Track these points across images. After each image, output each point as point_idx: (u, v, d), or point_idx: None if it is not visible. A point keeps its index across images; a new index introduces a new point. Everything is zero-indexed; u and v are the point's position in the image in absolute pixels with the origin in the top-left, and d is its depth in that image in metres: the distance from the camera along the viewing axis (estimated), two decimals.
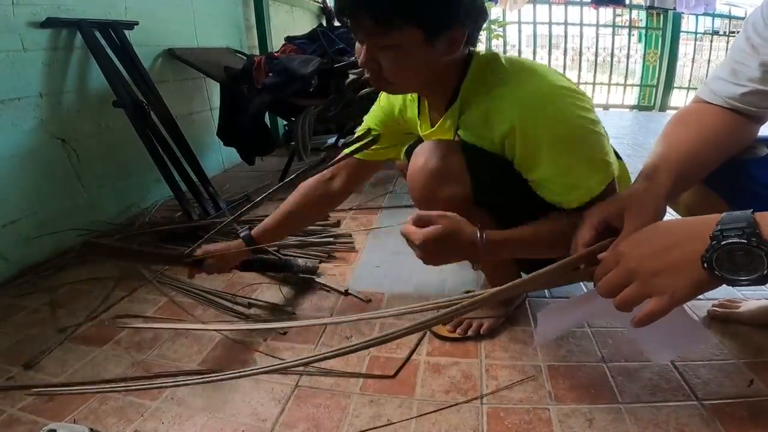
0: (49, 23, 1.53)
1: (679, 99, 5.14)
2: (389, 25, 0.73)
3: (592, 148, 0.78)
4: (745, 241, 0.46)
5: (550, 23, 5.18)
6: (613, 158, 0.82)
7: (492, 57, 0.84)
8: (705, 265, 0.48)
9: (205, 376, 0.81)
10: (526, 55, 5.36)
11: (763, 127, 0.77)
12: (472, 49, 0.85)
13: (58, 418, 0.83)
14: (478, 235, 0.76)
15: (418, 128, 0.99)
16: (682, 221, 0.55)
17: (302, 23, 3.70)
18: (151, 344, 1.07)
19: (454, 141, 0.89)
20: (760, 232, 0.46)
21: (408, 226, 0.77)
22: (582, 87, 5.16)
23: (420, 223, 0.76)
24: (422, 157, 0.87)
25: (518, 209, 0.87)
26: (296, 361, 0.76)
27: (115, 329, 1.12)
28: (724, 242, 0.47)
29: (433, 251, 0.76)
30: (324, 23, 4.05)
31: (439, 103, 0.90)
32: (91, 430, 0.75)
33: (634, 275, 0.53)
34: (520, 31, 5.31)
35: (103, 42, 1.72)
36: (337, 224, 1.74)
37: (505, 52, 5.40)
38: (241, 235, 1.13)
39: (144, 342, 1.08)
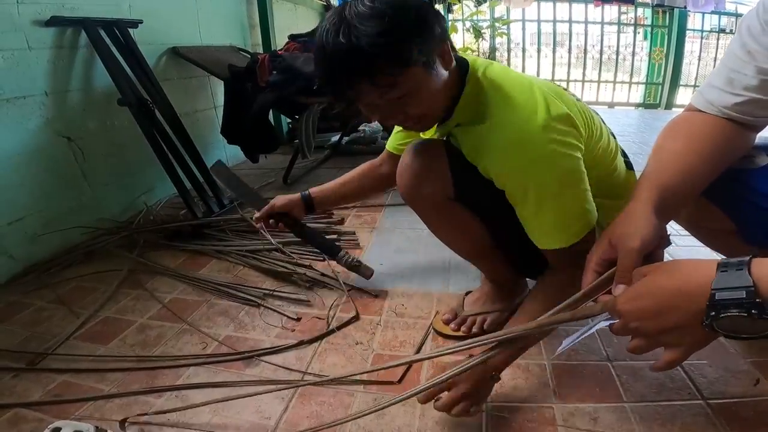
0: (54, 22, 1.53)
1: (685, 97, 5.11)
2: (393, 81, 0.72)
3: (572, 199, 0.79)
4: (746, 314, 0.43)
5: (554, 21, 5.16)
6: (591, 206, 0.81)
7: (479, 80, 0.83)
8: (707, 329, 0.46)
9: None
10: (531, 53, 5.34)
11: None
12: (461, 60, 0.84)
13: (63, 415, 0.83)
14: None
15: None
16: (676, 280, 0.50)
17: (306, 21, 3.70)
18: (156, 342, 1.07)
19: (439, 141, 0.92)
20: (762, 302, 0.43)
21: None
22: (587, 85, 5.19)
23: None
24: (408, 157, 0.91)
25: (500, 208, 0.88)
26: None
27: (120, 327, 1.13)
28: (723, 315, 0.44)
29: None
30: None
31: None
32: (97, 428, 0.75)
33: (638, 332, 0.53)
34: (524, 29, 5.29)
35: (107, 40, 1.72)
36: (341, 222, 1.74)
37: (508, 50, 5.39)
38: (301, 193, 1.22)
39: (149, 339, 1.08)
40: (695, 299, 0.47)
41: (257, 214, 1.23)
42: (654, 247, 0.62)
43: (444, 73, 0.78)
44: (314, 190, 1.23)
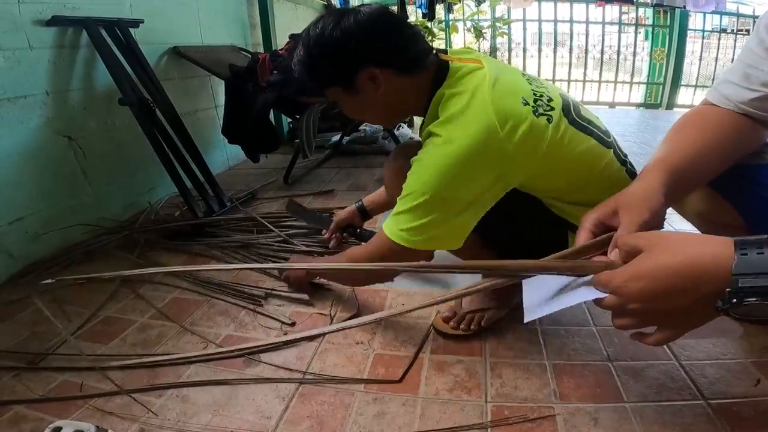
0: (55, 21, 1.53)
1: (687, 97, 5.11)
2: (322, 93, 0.94)
3: (425, 212, 0.84)
4: None
5: (555, 21, 5.15)
6: (450, 237, 0.88)
7: (442, 95, 0.87)
8: (720, 312, 0.44)
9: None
10: (532, 53, 5.34)
11: None
12: (438, 65, 0.91)
13: (63, 415, 0.83)
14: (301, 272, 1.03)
15: None
16: (685, 259, 0.46)
17: (306, 20, 3.65)
18: (157, 341, 1.07)
19: (417, 143, 0.96)
20: None
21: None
22: (588, 85, 5.17)
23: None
24: (392, 158, 1.05)
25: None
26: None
27: (121, 327, 1.13)
28: (745, 302, 0.42)
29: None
30: None
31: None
32: (97, 427, 0.75)
33: (635, 313, 0.50)
34: (525, 29, 5.28)
35: (108, 40, 1.72)
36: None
37: (509, 50, 5.38)
38: (356, 205, 1.42)
39: (150, 339, 1.08)
40: (711, 281, 0.44)
41: (327, 234, 1.45)
42: (655, 225, 0.60)
43: (376, 93, 0.88)
44: (366, 201, 1.42)
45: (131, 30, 1.85)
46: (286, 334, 1.08)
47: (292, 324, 1.13)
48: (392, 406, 0.85)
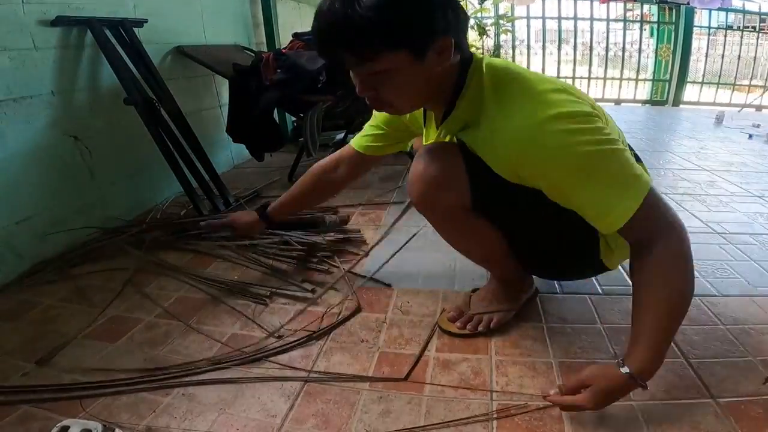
0: (60, 21, 1.54)
1: (693, 94, 5.08)
2: (373, 56, 0.72)
3: (608, 170, 0.72)
4: None
5: (559, 18, 5.12)
6: (637, 169, 0.74)
7: (481, 73, 0.80)
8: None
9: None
10: (536, 50, 5.32)
11: None
12: (467, 56, 0.82)
13: (71, 414, 0.84)
14: (627, 371, 0.73)
15: (424, 137, 1.01)
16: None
17: (309, 19, 3.60)
18: (164, 340, 1.07)
19: (454, 145, 0.87)
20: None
21: (566, 398, 0.77)
22: (593, 82, 5.16)
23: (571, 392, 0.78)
24: (422, 164, 0.87)
25: (519, 216, 0.87)
26: None
27: (128, 325, 1.14)
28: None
29: (603, 405, 0.77)
30: None
31: (438, 114, 0.89)
32: (105, 426, 0.75)
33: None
34: (528, 26, 5.26)
35: (113, 40, 1.73)
36: (347, 220, 1.74)
37: (513, 47, 5.36)
38: (258, 210, 1.29)
39: (156, 338, 1.08)
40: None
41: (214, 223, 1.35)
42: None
43: (436, 69, 0.75)
44: (271, 208, 1.29)
45: (135, 30, 1.85)
46: (294, 333, 1.08)
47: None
48: (397, 405, 0.85)
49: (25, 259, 1.44)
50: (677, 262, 0.73)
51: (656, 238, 0.72)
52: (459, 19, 0.76)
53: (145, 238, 1.58)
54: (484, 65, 0.81)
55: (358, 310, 1.15)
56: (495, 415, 0.81)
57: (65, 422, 0.75)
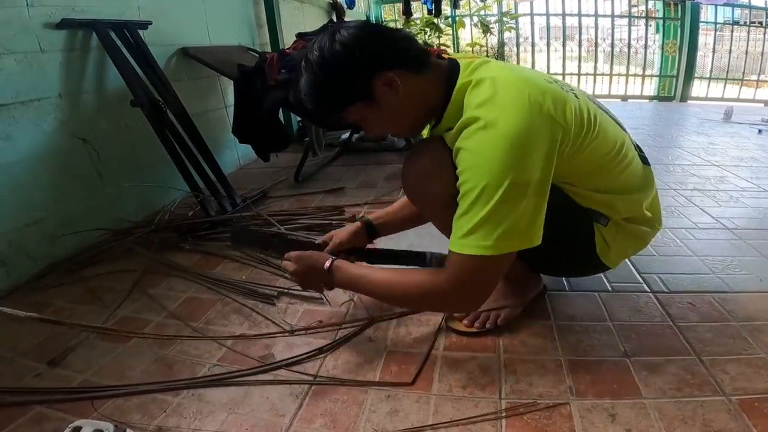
0: (65, 24, 1.55)
1: (701, 89, 5.04)
2: (340, 116, 0.86)
3: (497, 207, 0.73)
4: None
5: (563, 15, 5.09)
6: (534, 229, 0.76)
7: (464, 85, 0.82)
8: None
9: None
10: (540, 48, 5.28)
11: None
12: (446, 67, 0.85)
13: (83, 415, 0.84)
14: (327, 265, 0.94)
15: None
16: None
17: (312, 19, 3.70)
18: (173, 340, 1.08)
19: (438, 138, 0.88)
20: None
21: (285, 262, 1.01)
22: (599, 78, 5.12)
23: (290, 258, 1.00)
24: (413, 158, 0.93)
25: None
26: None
27: (138, 326, 1.14)
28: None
29: (301, 278, 0.99)
30: (334, 18, 4.05)
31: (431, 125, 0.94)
32: (116, 426, 0.76)
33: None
34: (532, 23, 5.23)
35: (118, 42, 1.74)
36: (352, 219, 1.74)
37: (517, 45, 5.34)
38: (363, 220, 1.17)
39: (166, 339, 1.09)
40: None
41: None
42: None
43: (396, 98, 0.81)
44: (375, 217, 1.18)
45: (140, 31, 1.86)
46: (306, 332, 1.09)
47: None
48: (405, 404, 0.85)
49: (36, 261, 1.45)
50: (421, 290, 0.84)
51: (445, 279, 0.80)
52: (390, 48, 0.81)
53: (153, 239, 1.59)
54: (471, 74, 0.82)
55: (371, 321, 1.12)
56: (504, 414, 0.81)
57: (77, 423, 0.76)
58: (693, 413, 0.78)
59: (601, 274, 1.22)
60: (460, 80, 0.82)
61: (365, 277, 0.91)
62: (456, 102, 0.82)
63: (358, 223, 1.17)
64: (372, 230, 1.17)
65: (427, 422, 0.80)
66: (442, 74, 0.85)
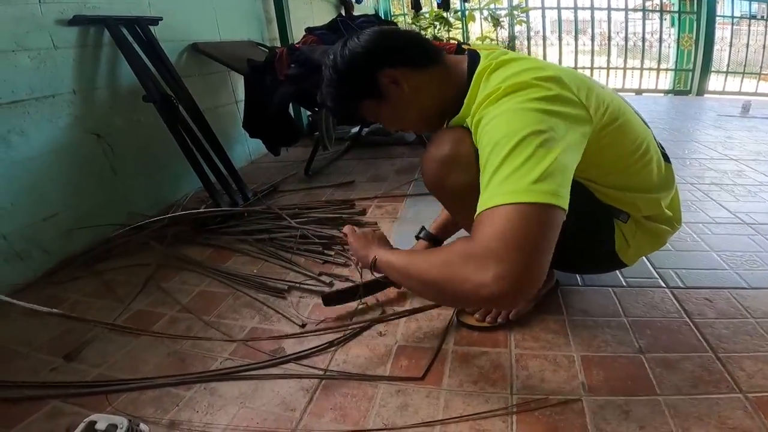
0: (77, 21, 1.56)
1: (718, 83, 4.93)
2: (354, 111, 0.92)
3: (519, 159, 0.65)
4: None
5: (575, 8, 5.01)
6: (551, 182, 0.64)
7: (482, 73, 0.81)
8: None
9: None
10: (552, 41, 5.21)
11: None
12: (476, 53, 0.86)
13: (98, 409, 0.86)
14: (373, 256, 0.92)
15: None
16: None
17: (321, 14, 3.70)
18: (186, 334, 1.09)
19: (460, 127, 0.86)
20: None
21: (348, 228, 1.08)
22: (612, 72, 5.03)
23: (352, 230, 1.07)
24: (434, 146, 0.91)
25: None
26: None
27: (152, 320, 1.15)
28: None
29: (354, 247, 1.02)
30: (343, 13, 4.03)
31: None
32: (130, 420, 0.77)
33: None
34: (544, 17, 5.15)
35: (129, 38, 1.75)
36: (363, 212, 1.74)
37: (528, 38, 5.27)
38: (421, 235, 1.23)
39: (179, 332, 1.10)
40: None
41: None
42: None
43: (404, 93, 0.85)
44: (435, 227, 1.21)
45: (151, 27, 1.87)
46: (317, 325, 1.09)
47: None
48: (415, 399, 0.85)
49: (52, 255, 1.47)
50: (451, 260, 0.67)
51: (479, 246, 0.63)
52: (393, 48, 0.86)
53: (167, 234, 1.60)
54: (491, 62, 0.81)
55: (382, 313, 1.13)
56: (515, 410, 0.80)
57: (92, 417, 0.77)
58: (708, 411, 0.77)
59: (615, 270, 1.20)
60: (480, 66, 0.82)
61: (400, 266, 0.82)
62: (476, 86, 0.81)
63: (423, 242, 1.22)
64: (438, 242, 1.21)
65: (437, 417, 0.80)
66: (457, 67, 0.87)
